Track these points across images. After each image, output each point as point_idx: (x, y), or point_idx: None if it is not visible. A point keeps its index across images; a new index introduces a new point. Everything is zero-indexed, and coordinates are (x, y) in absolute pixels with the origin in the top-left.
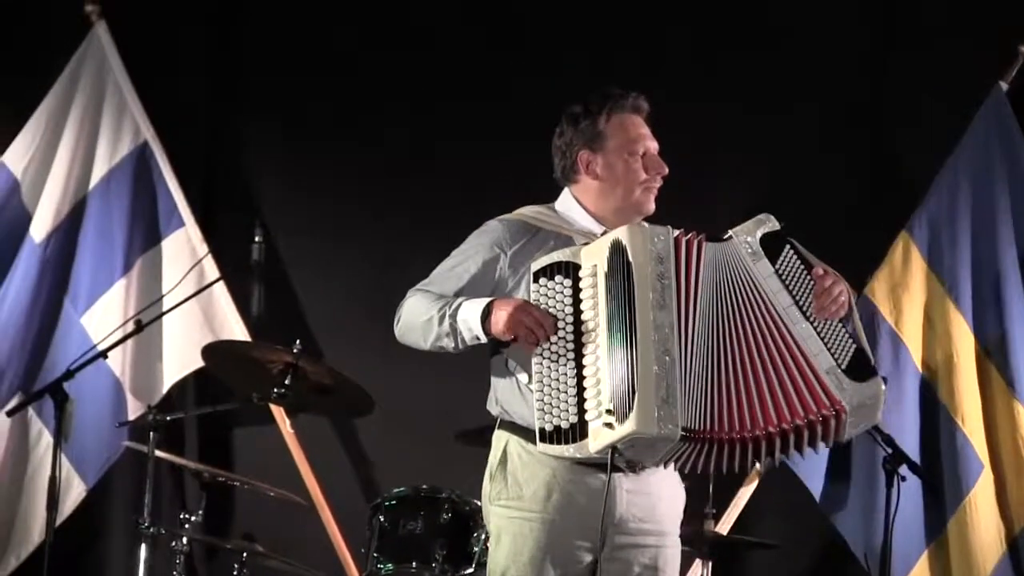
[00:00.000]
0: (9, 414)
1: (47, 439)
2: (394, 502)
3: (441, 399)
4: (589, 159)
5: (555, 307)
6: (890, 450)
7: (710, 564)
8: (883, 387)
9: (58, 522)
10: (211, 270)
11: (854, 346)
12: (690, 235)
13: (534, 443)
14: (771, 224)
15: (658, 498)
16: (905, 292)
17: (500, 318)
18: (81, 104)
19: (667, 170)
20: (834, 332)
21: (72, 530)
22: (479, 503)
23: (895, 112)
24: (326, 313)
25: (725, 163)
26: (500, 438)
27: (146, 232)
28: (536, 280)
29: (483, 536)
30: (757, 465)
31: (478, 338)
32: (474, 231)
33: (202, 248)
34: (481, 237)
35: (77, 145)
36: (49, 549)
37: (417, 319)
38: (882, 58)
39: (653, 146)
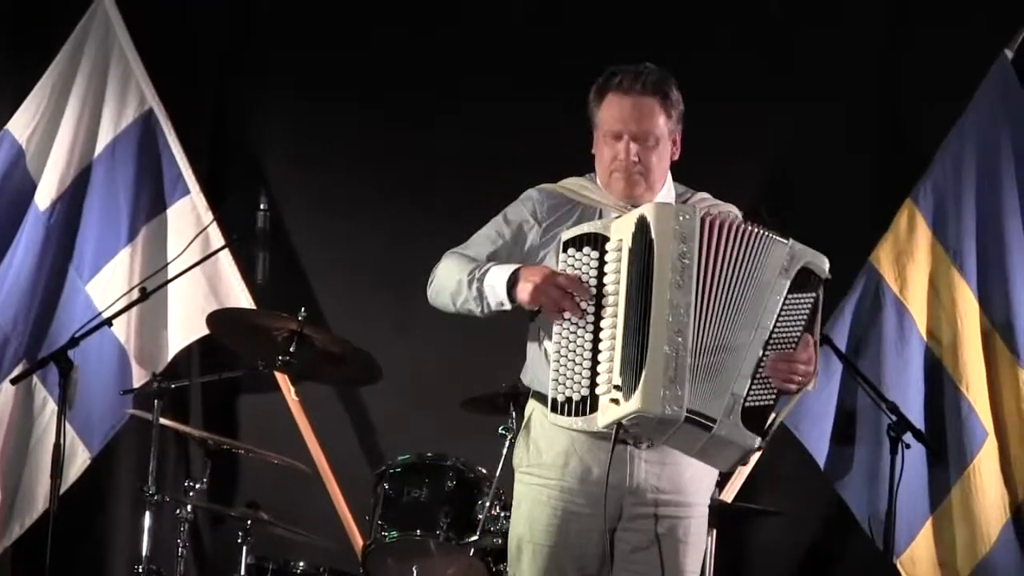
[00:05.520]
0: (13, 382)
1: (51, 407)
2: (399, 470)
3: (446, 367)
4: (595, 136)
5: (580, 279)
6: (894, 417)
7: (715, 532)
8: (754, 451)
9: (62, 490)
10: (216, 238)
11: (769, 403)
12: (715, 216)
13: None
14: (821, 266)
15: (681, 467)
16: (910, 260)
17: (525, 288)
18: (86, 72)
19: (624, 157)
20: (768, 381)
21: (76, 498)
22: (484, 471)
23: (902, 81)
24: (331, 281)
25: (735, 126)
26: (529, 407)
27: (151, 200)
28: (565, 250)
29: (487, 504)
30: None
31: (503, 304)
32: (514, 200)
33: (207, 216)
34: (519, 205)
35: (82, 113)
36: (53, 517)
37: (447, 281)
38: (891, 28)
39: (626, 130)
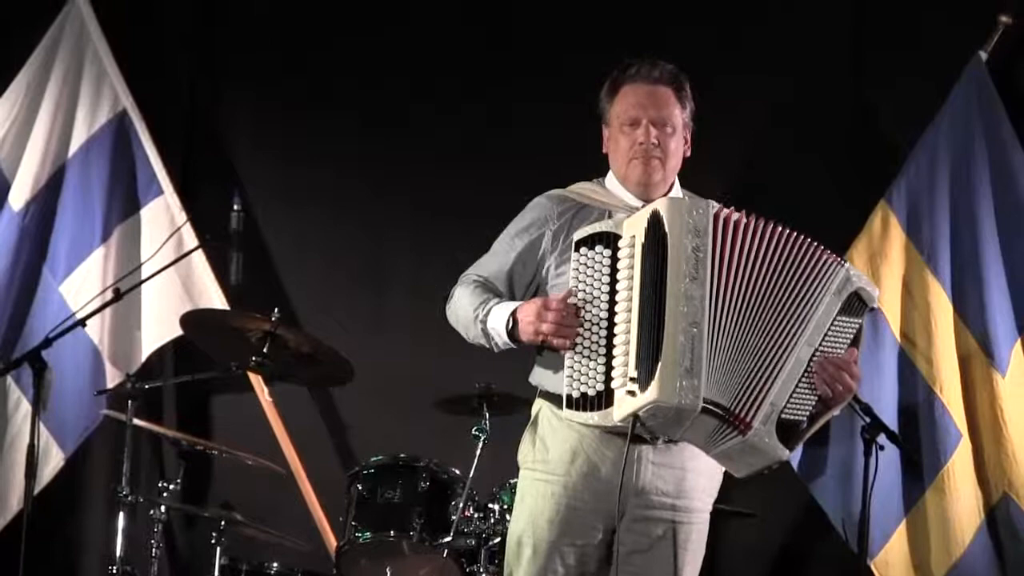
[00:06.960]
0: None
1: (25, 407)
2: (372, 470)
3: (420, 368)
4: (605, 135)
5: (593, 276)
6: (868, 419)
7: None
8: (779, 460)
9: (36, 491)
10: (190, 239)
11: (804, 416)
12: (730, 212)
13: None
14: (872, 295)
15: (688, 472)
16: (883, 261)
17: (524, 331)
18: (60, 72)
19: (645, 140)
20: (809, 394)
21: (50, 499)
22: (457, 472)
23: (876, 82)
24: (304, 282)
25: (706, 124)
26: (536, 404)
27: (125, 200)
28: (577, 249)
29: (460, 505)
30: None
31: (509, 345)
32: (524, 208)
33: (181, 217)
34: (528, 213)
35: (56, 113)
36: (27, 518)
37: (460, 313)
38: (861, 28)
39: (644, 115)
